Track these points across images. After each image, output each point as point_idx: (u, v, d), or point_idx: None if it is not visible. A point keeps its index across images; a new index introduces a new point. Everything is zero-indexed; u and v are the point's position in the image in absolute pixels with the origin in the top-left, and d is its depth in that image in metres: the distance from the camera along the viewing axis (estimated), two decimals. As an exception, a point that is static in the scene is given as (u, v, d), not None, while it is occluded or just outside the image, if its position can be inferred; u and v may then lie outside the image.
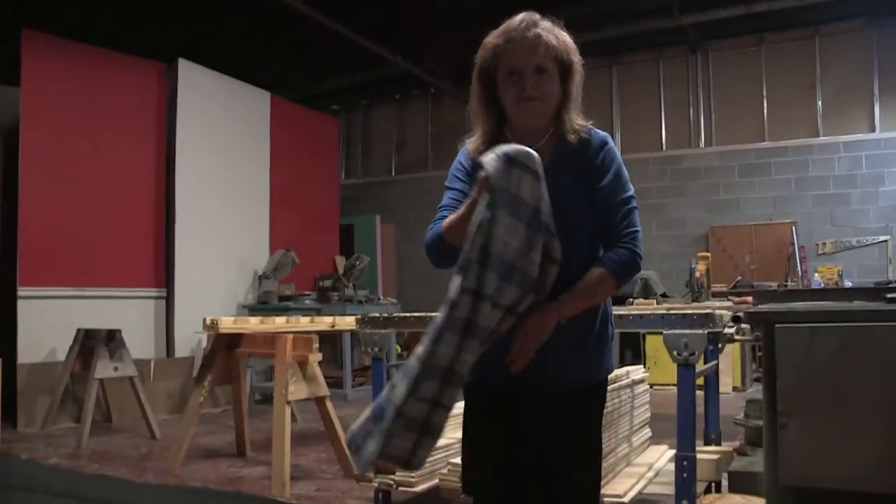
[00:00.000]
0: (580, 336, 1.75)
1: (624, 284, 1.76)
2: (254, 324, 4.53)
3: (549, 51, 1.69)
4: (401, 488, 3.03)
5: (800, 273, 7.65)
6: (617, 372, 3.16)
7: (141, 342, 6.52)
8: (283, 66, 9.33)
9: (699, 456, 2.65)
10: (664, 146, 9.53)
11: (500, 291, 1.52)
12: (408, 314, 3.12)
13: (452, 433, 2.91)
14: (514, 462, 1.75)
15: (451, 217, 1.70)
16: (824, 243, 7.99)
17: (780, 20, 8.57)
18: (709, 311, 2.56)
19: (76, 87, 6.47)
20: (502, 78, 1.72)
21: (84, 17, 6.92)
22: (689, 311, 2.61)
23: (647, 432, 3.51)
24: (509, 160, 1.52)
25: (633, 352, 7.85)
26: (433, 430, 1.55)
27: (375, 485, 3.09)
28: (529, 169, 1.54)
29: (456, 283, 1.52)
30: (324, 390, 4.06)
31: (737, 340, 2.90)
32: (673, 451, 2.79)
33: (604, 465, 2.74)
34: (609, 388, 2.83)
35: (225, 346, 4.42)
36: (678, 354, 2.45)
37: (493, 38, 1.73)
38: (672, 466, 2.64)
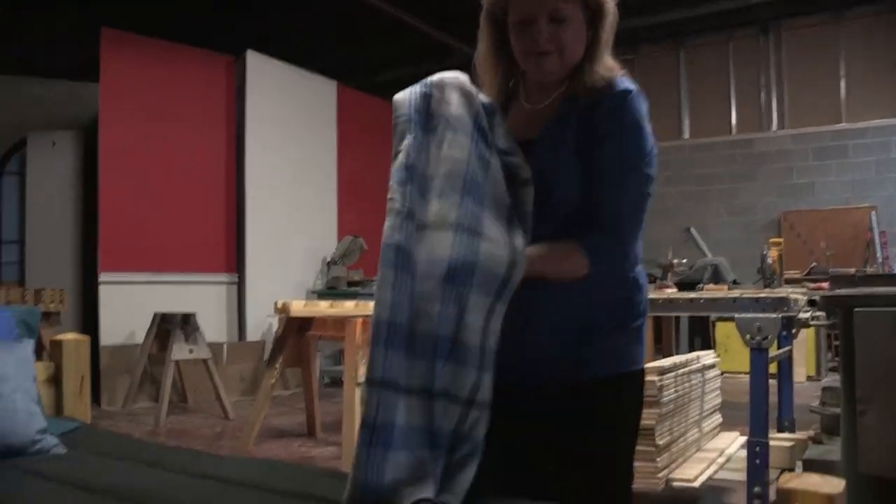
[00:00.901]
0: (554, 320, 1.45)
1: (599, 273, 1.42)
2: (323, 307, 4.59)
3: None
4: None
5: (880, 259, 7.37)
6: (687, 356, 3.12)
7: (214, 326, 6.76)
8: (349, 56, 9.43)
9: (772, 443, 2.61)
10: (733, 130, 9.28)
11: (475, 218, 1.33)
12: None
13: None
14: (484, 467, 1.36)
15: None
16: (907, 228, 7.69)
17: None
18: (783, 294, 2.51)
19: (150, 81, 6.70)
20: (512, 25, 1.45)
21: (156, 13, 7.14)
22: (763, 295, 2.55)
23: (717, 418, 3.45)
24: (424, 86, 1.41)
25: (703, 339, 7.70)
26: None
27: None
28: (453, 87, 1.41)
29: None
30: (391, 373, 4.10)
31: (812, 325, 2.84)
32: (744, 438, 2.74)
33: (673, 449, 2.73)
34: (679, 371, 2.82)
35: (296, 330, 4.50)
36: (751, 338, 2.41)
37: None
38: (744, 453, 2.60)
